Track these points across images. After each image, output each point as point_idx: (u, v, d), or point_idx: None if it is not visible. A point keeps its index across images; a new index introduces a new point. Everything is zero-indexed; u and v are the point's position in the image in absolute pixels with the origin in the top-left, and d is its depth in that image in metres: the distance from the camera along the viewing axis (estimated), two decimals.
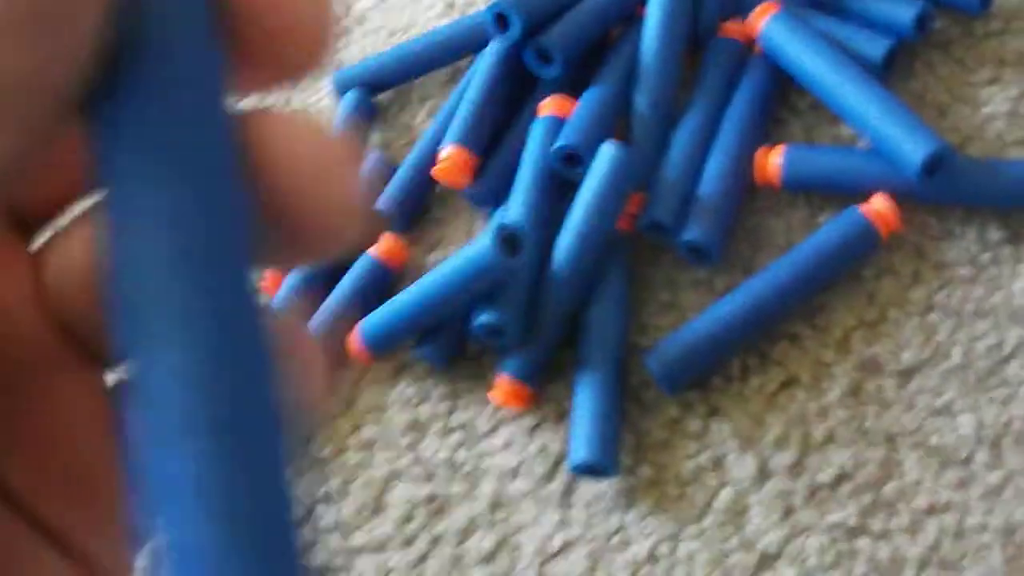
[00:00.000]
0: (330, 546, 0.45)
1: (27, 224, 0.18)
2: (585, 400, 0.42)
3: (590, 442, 0.41)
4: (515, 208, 0.44)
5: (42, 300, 0.17)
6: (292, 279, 0.48)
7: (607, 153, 0.43)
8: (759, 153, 0.44)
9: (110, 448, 0.18)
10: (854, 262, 0.43)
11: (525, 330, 0.43)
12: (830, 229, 0.42)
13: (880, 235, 0.42)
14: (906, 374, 0.42)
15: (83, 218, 0.17)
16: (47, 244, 0.17)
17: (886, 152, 0.42)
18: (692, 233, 0.43)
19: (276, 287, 0.48)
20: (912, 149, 0.41)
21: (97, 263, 0.17)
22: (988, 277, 0.42)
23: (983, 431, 0.41)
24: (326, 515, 0.45)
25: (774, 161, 0.44)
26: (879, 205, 0.42)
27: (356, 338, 0.45)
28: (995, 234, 0.43)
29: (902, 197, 0.43)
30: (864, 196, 0.43)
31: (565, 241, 0.43)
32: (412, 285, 0.44)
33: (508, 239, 0.41)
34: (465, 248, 0.42)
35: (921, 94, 0.45)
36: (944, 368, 0.42)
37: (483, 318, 0.43)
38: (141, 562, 0.21)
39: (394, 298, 0.44)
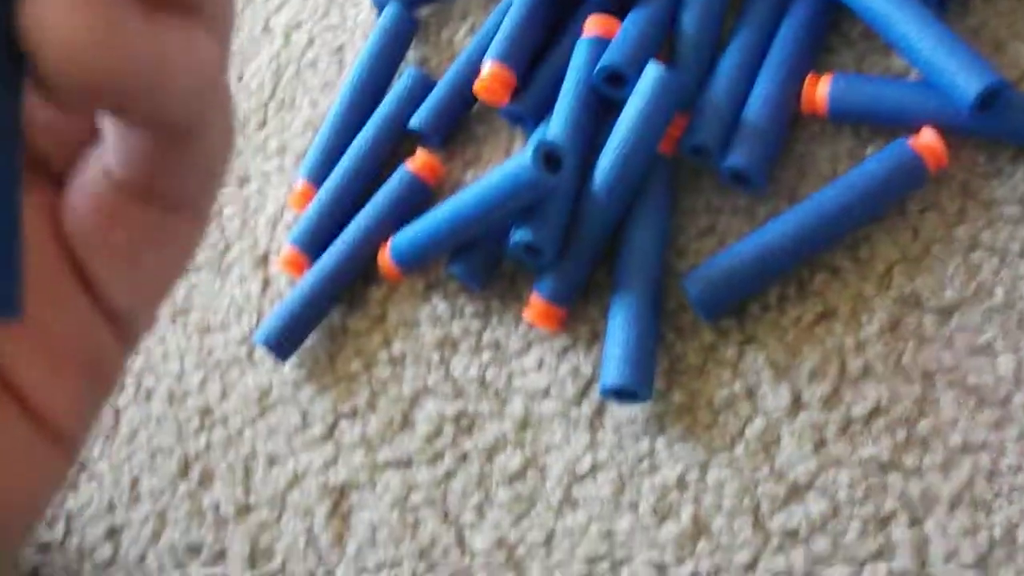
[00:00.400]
0: (354, 461, 0.44)
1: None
2: (619, 323, 0.41)
3: (622, 366, 0.41)
4: (556, 126, 0.43)
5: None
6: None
7: (651, 74, 0.42)
8: (807, 81, 0.43)
9: (56, 252, 0.18)
10: (900, 196, 0.42)
11: (562, 250, 0.43)
12: (877, 161, 0.42)
13: (928, 169, 0.41)
14: (947, 311, 0.41)
15: None
16: None
17: (939, 84, 0.41)
18: (735, 159, 0.42)
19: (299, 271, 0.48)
20: (967, 82, 0.40)
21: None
22: None
23: (1022, 372, 0.40)
24: (351, 430, 0.45)
25: (821, 89, 0.43)
26: (928, 139, 0.41)
27: (387, 253, 0.45)
28: None
29: (952, 132, 0.42)
30: (913, 129, 0.42)
31: (606, 161, 0.42)
32: (447, 201, 0.43)
33: (549, 156, 0.40)
34: (504, 164, 0.41)
35: (978, 29, 0.44)
36: (986, 307, 0.41)
37: (520, 236, 0.42)
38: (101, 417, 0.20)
39: (428, 213, 0.44)
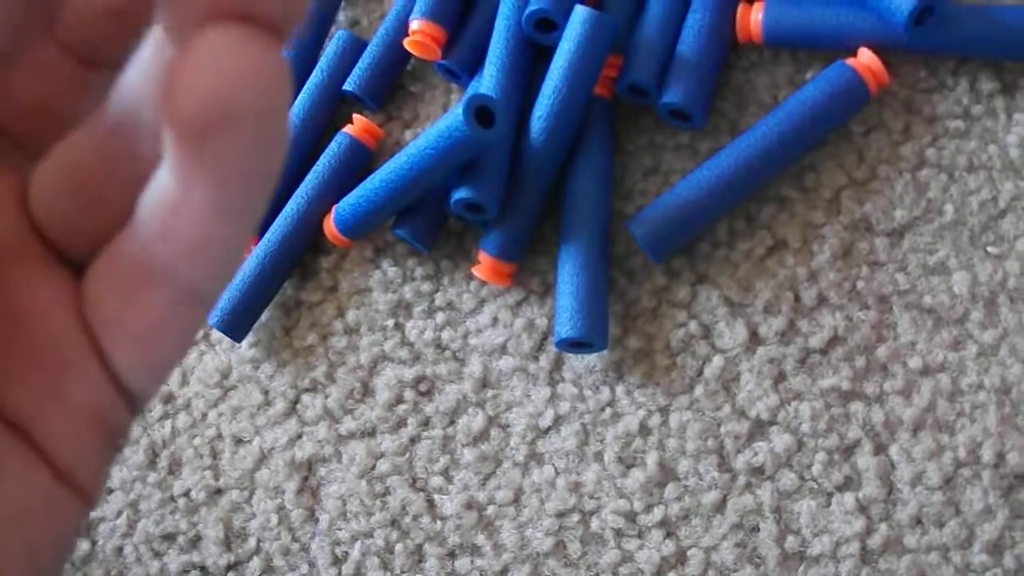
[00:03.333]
0: (319, 435, 0.44)
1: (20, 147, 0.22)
2: (569, 273, 0.41)
3: (574, 317, 0.40)
4: (488, 78, 0.43)
5: (24, 206, 0.21)
6: None
7: (581, 15, 0.41)
8: (740, 9, 0.43)
9: (77, 334, 0.20)
10: (842, 118, 0.41)
11: (505, 205, 0.42)
12: (817, 84, 0.41)
13: (869, 89, 0.41)
14: (898, 233, 0.41)
15: (67, 145, 0.20)
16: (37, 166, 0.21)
17: (873, 2, 0.40)
18: (673, 95, 0.41)
19: None
20: None
21: (76, 179, 0.20)
22: (981, 130, 0.41)
23: (977, 289, 0.40)
24: (313, 403, 0.44)
25: (755, 16, 0.42)
26: (867, 58, 0.41)
27: (331, 221, 0.44)
28: (987, 85, 0.41)
29: (890, 49, 0.41)
30: (851, 51, 0.42)
31: (541, 109, 0.41)
32: (384, 165, 0.42)
33: (481, 111, 0.40)
34: (436, 122, 0.40)
35: None
36: (937, 225, 0.40)
37: (460, 194, 0.41)
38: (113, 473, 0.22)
39: (367, 179, 0.43)
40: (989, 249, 0.40)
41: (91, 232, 0.21)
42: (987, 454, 0.38)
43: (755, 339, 0.41)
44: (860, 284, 0.40)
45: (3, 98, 0.21)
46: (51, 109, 0.22)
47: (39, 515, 0.20)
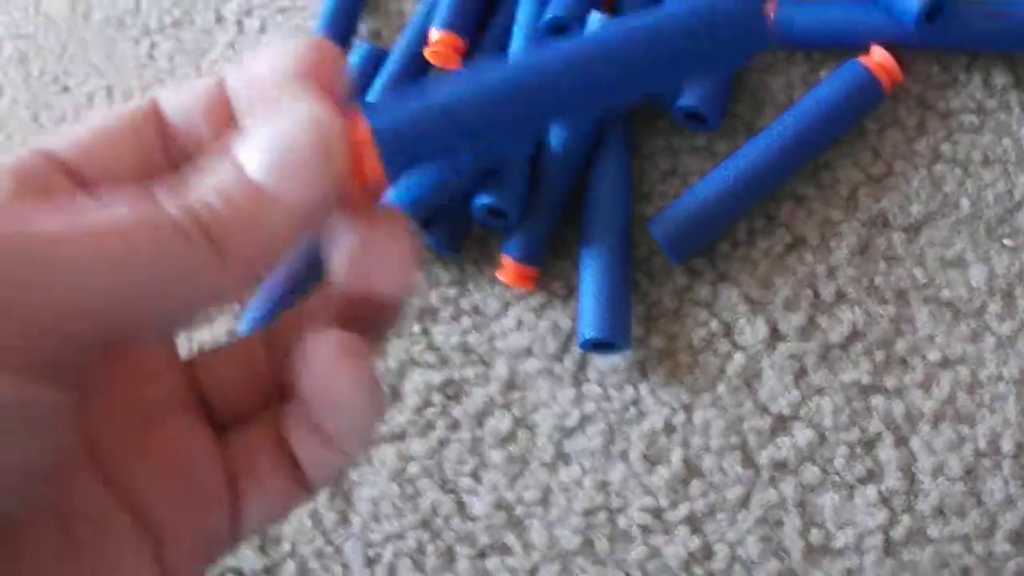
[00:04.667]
0: None
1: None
2: (591, 275, 0.41)
3: (597, 318, 0.41)
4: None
5: (187, 370, 0.26)
6: None
7: (596, 22, 0.42)
8: None
9: (218, 474, 0.25)
10: (857, 116, 0.42)
11: (526, 209, 0.43)
12: (831, 83, 0.41)
13: (883, 86, 0.41)
14: (915, 228, 0.41)
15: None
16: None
17: (884, 0, 0.40)
18: (687, 98, 0.42)
19: None
20: None
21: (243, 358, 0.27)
22: (995, 124, 0.41)
23: (994, 281, 0.40)
24: None
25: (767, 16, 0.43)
26: (879, 56, 0.41)
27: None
28: (1000, 79, 0.42)
29: (902, 46, 0.42)
30: (863, 48, 0.42)
31: None
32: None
33: None
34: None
35: None
36: (953, 219, 0.41)
37: (483, 200, 0.42)
38: None
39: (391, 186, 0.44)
40: (1005, 242, 0.40)
41: (241, 404, 0.27)
42: (1007, 444, 0.38)
43: (776, 336, 0.41)
44: (878, 279, 0.41)
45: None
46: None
47: None
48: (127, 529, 0.24)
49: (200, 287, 0.21)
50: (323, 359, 0.24)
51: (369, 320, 0.25)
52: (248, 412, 0.27)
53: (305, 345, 0.24)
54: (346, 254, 0.25)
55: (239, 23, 0.54)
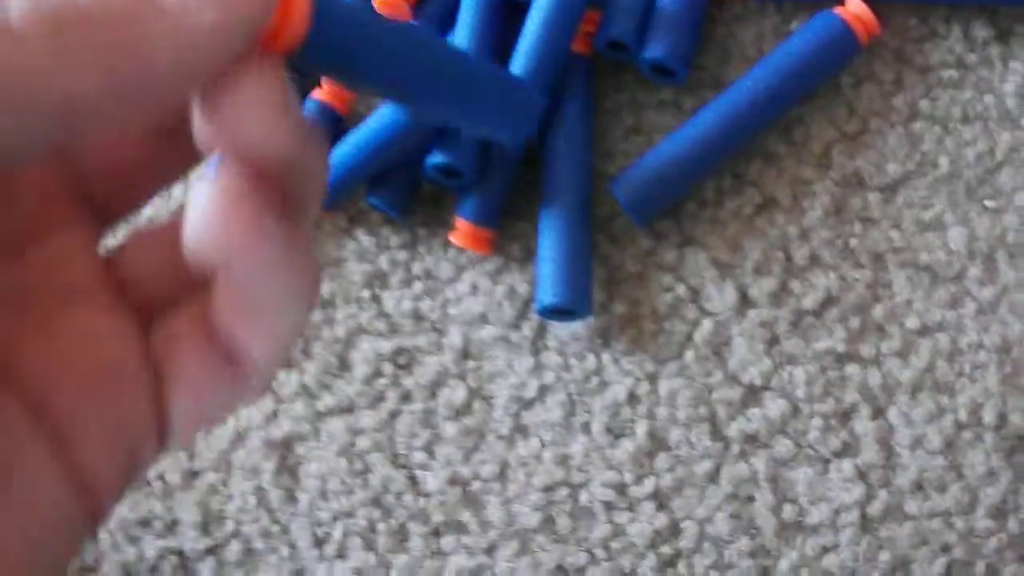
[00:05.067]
0: (295, 412, 0.43)
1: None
2: (550, 238, 0.39)
3: (556, 283, 0.39)
4: (461, 35, 0.41)
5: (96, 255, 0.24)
6: None
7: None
8: None
9: (137, 369, 0.23)
10: (831, 70, 0.40)
11: (482, 169, 0.41)
12: (804, 35, 0.39)
13: (859, 38, 0.39)
14: (891, 188, 0.39)
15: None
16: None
17: None
18: (654, 50, 0.40)
19: None
20: None
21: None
22: (975, 79, 0.40)
23: (975, 244, 0.38)
24: (289, 380, 0.43)
25: None
26: (855, 6, 0.39)
27: None
28: (982, 32, 0.40)
29: None
30: (838, 0, 0.40)
31: (517, 67, 0.40)
32: (355, 129, 0.41)
33: None
34: None
35: None
36: (932, 179, 0.39)
37: (436, 159, 0.40)
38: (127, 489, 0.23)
39: (338, 144, 0.41)
40: (986, 203, 0.39)
41: (166, 290, 0.24)
42: (989, 415, 0.37)
43: (746, 302, 0.40)
44: (853, 242, 0.39)
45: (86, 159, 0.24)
46: (127, 178, 0.25)
47: (45, 513, 0.22)
48: (18, 418, 0.22)
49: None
50: (200, 207, 0.20)
51: (273, 189, 0.22)
52: (176, 299, 0.24)
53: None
54: (212, 95, 0.21)
55: None
